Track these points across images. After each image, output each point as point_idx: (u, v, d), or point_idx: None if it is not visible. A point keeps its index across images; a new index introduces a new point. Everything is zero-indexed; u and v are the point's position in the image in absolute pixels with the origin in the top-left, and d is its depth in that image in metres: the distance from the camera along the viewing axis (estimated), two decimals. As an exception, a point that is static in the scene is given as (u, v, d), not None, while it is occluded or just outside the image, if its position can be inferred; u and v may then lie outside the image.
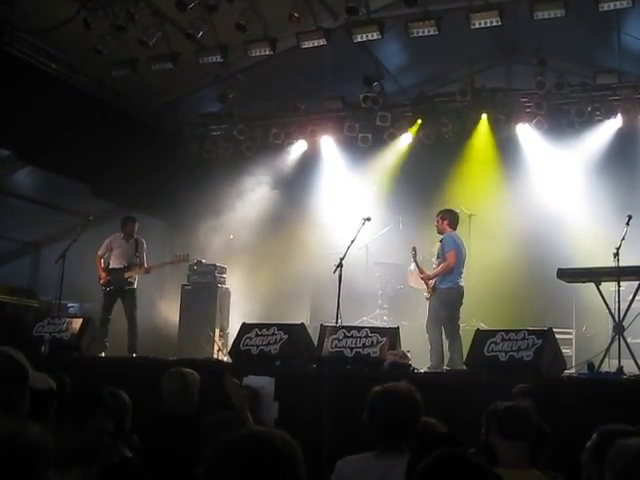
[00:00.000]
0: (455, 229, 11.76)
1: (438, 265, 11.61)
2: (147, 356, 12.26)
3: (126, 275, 12.96)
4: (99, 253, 13.23)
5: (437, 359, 10.84)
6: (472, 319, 13.11)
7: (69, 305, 15.63)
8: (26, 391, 3.81)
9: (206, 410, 6.12)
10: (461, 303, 11.44)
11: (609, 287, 10.19)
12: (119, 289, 12.98)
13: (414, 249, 12.03)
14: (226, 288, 15.20)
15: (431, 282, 11.55)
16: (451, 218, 11.75)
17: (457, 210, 12.14)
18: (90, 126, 14.09)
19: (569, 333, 13.05)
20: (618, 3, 11.04)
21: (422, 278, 11.77)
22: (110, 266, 13.15)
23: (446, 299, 11.31)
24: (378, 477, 4.46)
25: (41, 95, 13.47)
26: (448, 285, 11.35)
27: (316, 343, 9.82)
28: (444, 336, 11.19)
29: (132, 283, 13.01)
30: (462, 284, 11.46)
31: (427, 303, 11.89)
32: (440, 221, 11.71)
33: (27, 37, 13.44)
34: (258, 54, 13.20)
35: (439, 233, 11.75)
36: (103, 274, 13.09)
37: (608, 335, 10.22)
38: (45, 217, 17.73)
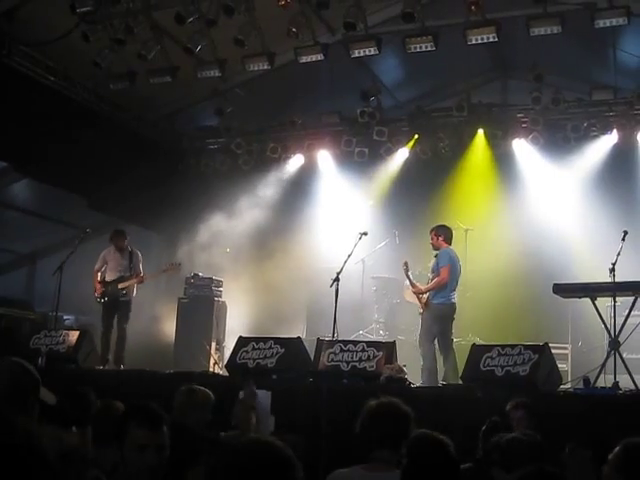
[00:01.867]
0: (450, 244, 11.78)
1: (432, 280, 11.63)
2: (143, 369, 12.26)
3: (120, 286, 12.98)
4: (96, 267, 13.27)
5: (429, 373, 10.85)
6: (468, 334, 13.14)
7: (65, 317, 15.63)
8: (37, 403, 3.89)
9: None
10: (453, 318, 11.46)
11: (605, 302, 10.24)
12: (114, 300, 12.99)
13: (406, 264, 12.03)
14: (222, 301, 15.21)
15: (424, 297, 11.55)
16: (445, 233, 11.76)
17: (449, 225, 12.13)
18: (88, 139, 14.10)
19: (565, 348, 13.06)
20: (614, 20, 11.12)
21: (414, 292, 11.78)
22: (106, 279, 13.15)
23: (438, 314, 11.32)
24: None
25: (39, 107, 13.50)
26: (441, 300, 11.36)
27: (312, 357, 9.84)
28: (438, 351, 11.21)
29: (126, 295, 13.02)
30: (455, 300, 11.47)
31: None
32: (435, 237, 11.70)
33: (26, 49, 13.48)
34: (256, 68, 13.23)
35: (435, 249, 11.74)
36: (98, 286, 13.11)
37: (604, 350, 10.24)
38: (42, 229, 17.74)
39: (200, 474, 4.48)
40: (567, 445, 4.81)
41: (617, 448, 3.74)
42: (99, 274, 13.23)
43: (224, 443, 5.38)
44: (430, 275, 11.84)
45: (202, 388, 6.96)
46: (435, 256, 11.67)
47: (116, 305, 13.00)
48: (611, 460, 3.71)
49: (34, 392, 3.94)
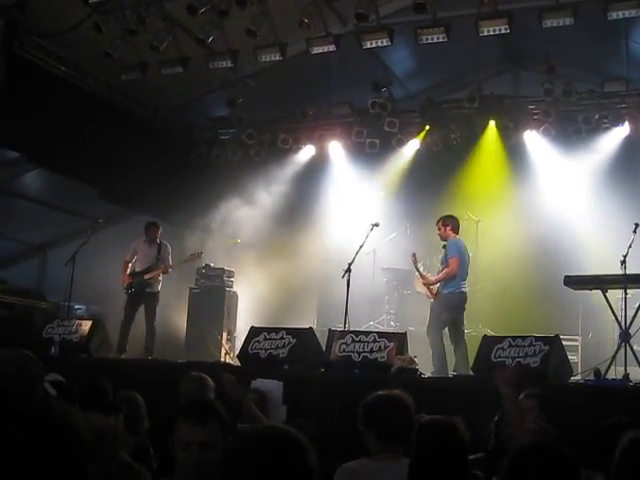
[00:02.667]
0: (457, 233, 11.76)
1: (441, 270, 11.65)
2: (155, 358, 12.34)
3: (146, 277, 13.06)
4: (126, 258, 13.38)
5: (439, 363, 10.85)
6: (479, 325, 13.16)
7: (76, 307, 15.69)
8: (43, 392, 3.94)
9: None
10: (464, 308, 11.45)
11: (616, 294, 10.22)
12: (140, 291, 13.06)
13: (414, 255, 12.05)
14: (234, 292, 15.26)
15: (434, 287, 11.56)
16: (453, 223, 11.73)
17: (456, 215, 12.11)
18: (99, 129, 14.15)
19: (575, 340, 13.07)
20: (627, 12, 11.09)
21: (424, 284, 11.79)
22: (135, 270, 13.27)
23: (448, 304, 11.31)
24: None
25: (51, 98, 13.55)
26: (450, 290, 11.35)
27: (324, 347, 9.88)
28: (449, 341, 11.22)
29: (153, 285, 13.12)
30: (465, 289, 11.45)
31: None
32: (442, 227, 11.66)
33: (38, 40, 13.53)
34: (268, 59, 13.24)
35: (442, 240, 11.73)
36: (126, 278, 13.22)
37: (614, 342, 10.25)
38: (53, 219, 17.81)
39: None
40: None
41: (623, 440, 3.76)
42: (130, 265, 13.32)
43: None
44: (440, 266, 11.84)
45: (202, 375, 7.05)
46: (444, 247, 11.67)
47: (141, 296, 13.08)
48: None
49: (40, 380, 4.00)
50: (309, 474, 2.38)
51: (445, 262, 11.50)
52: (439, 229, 11.68)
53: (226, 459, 2.46)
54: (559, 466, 3.07)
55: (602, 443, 4.83)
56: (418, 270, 12.00)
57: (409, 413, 4.75)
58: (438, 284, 11.50)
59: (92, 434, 1.30)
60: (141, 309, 13.09)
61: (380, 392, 4.84)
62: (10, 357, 4.00)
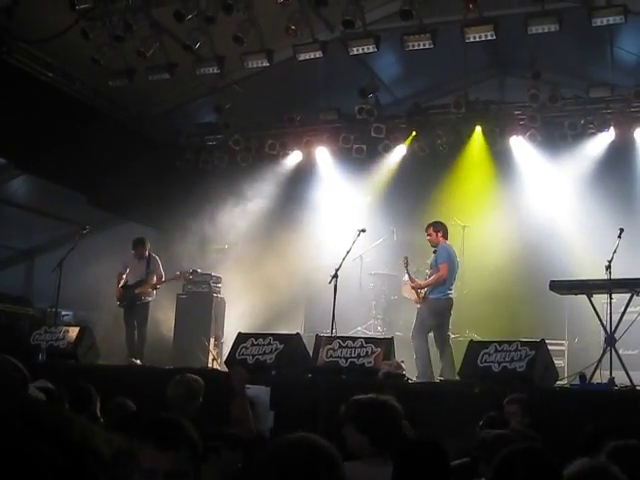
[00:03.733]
0: (447, 239, 11.87)
1: (430, 275, 11.71)
2: (143, 364, 12.35)
3: (136, 291, 13.26)
4: (120, 271, 13.61)
5: (423, 367, 10.92)
6: (465, 330, 13.20)
7: (63, 313, 15.65)
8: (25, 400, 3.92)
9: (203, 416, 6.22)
10: (450, 314, 11.53)
11: (601, 299, 10.28)
12: (131, 304, 13.31)
13: (406, 259, 12.11)
14: (221, 298, 15.25)
15: (421, 291, 11.62)
16: (444, 229, 11.85)
17: (444, 222, 12.21)
18: (87, 135, 14.13)
19: (561, 344, 13.13)
20: (611, 19, 11.17)
21: (413, 288, 11.84)
22: (128, 282, 13.48)
23: (435, 309, 11.38)
24: None
25: (38, 104, 13.54)
26: (438, 296, 11.43)
27: (311, 353, 9.91)
28: (435, 346, 11.28)
29: (143, 298, 13.33)
30: (452, 295, 11.55)
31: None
32: (433, 233, 11.74)
33: (25, 46, 13.50)
34: (255, 65, 13.28)
35: (433, 245, 11.79)
36: (118, 291, 13.43)
37: (600, 347, 10.30)
38: (40, 225, 17.78)
39: (217, 470, 4.53)
40: None
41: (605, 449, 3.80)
42: (123, 277, 13.50)
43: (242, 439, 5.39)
44: (428, 271, 11.90)
45: (193, 376, 7.07)
46: (434, 252, 11.73)
47: (133, 308, 13.33)
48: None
49: (24, 387, 4.00)
50: None
51: (435, 267, 11.57)
52: (430, 235, 11.76)
53: (258, 467, 2.45)
54: (544, 471, 3.11)
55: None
56: (409, 273, 12.06)
57: (400, 420, 4.77)
58: (426, 289, 11.56)
59: (111, 451, 1.31)
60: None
61: (372, 396, 4.82)
62: None
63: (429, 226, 11.85)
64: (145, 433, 3.02)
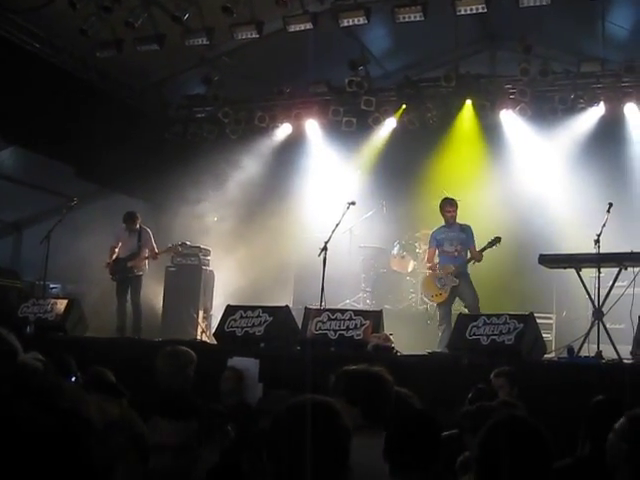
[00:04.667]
0: None
1: (459, 250, 11.76)
2: (132, 337, 12.35)
3: (129, 264, 13.21)
4: (112, 244, 13.52)
5: None
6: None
7: (52, 286, 15.61)
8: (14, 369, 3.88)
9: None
10: None
11: (589, 273, 10.31)
12: (123, 277, 13.25)
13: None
14: (210, 270, 15.24)
15: (452, 268, 11.66)
16: None
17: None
18: (74, 107, 14.04)
19: (549, 318, 13.20)
20: (603, -7, 11.13)
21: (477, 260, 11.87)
22: (120, 256, 13.40)
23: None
24: (358, 454, 4.53)
25: (26, 75, 13.42)
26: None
27: (300, 325, 9.91)
28: (442, 320, 11.53)
29: (134, 271, 13.26)
30: None
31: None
32: (456, 211, 11.91)
33: (12, 16, 13.36)
34: (244, 37, 13.20)
35: (451, 221, 11.91)
36: (110, 265, 13.34)
37: (588, 320, 10.34)
38: (28, 198, 17.65)
39: (217, 447, 4.51)
40: None
41: (622, 419, 3.83)
42: (116, 250, 13.42)
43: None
44: (453, 247, 11.86)
45: (184, 348, 7.04)
46: (462, 230, 11.86)
47: (126, 281, 13.28)
48: (617, 430, 3.80)
49: (12, 359, 3.96)
50: (347, 433, 2.78)
51: (467, 245, 11.80)
52: (455, 211, 11.90)
53: (274, 425, 2.74)
54: (531, 438, 3.12)
55: (590, 419, 4.91)
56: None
57: (392, 392, 4.73)
58: (458, 264, 11.69)
59: (103, 421, 1.29)
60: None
61: (363, 367, 4.74)
62: None
63: (453, 202, 11.98)
64: (157, 404, 3.27)
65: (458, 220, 11.97)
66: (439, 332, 11.44)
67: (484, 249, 11.65)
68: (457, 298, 11.78)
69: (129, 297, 13.23)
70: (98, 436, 1.25)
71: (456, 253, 11.80)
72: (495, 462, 3.06)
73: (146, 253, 13.42)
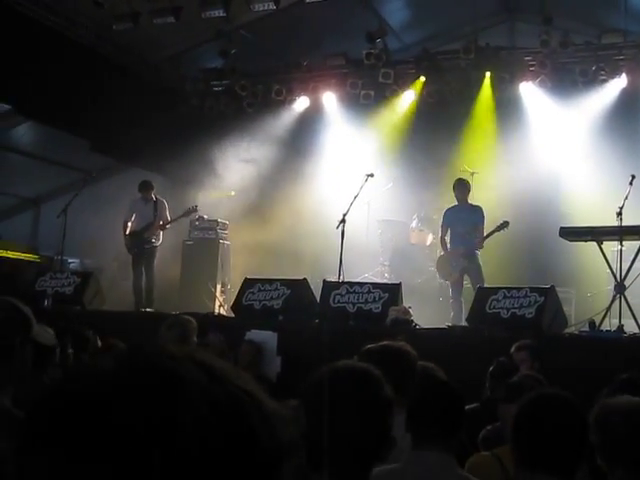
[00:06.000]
0: None
1: (469, 233, 11.78)
2: (149, 310, 12.35)
3: (145, 235, 13.14)
4: (125, 218, 13.42)
5: None
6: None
7: (70, 260, 15.66)
8: (29, 342, 3.85)
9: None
10: None
11: (610, 247, 10.21)
12: (140, 250, 13.18)
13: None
14: (227, 244, 15.22)
15: (461, 249, 11.66)
16: None
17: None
18: (90, 81, 13.98)
19: (570, 292, 13.08)
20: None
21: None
22: (134, 229, 13.33)
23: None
24: None
25: (41, 48, 13.35)
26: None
27: (318, 298, 9.87)
28: (455, 295, 11.61)
29: (151, 242, 13.21)
30: None
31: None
32: (468, 193, 12.01)
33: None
34: (261, 9, 13.08)
35: (462, 200, 11.97)
36: (126, 238, 13.30)
37: (608, 294, 10.24)
38: (46, 172, 17.69)
39: None
40: None
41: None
42: (129, 224, 13.35)
43: None
44: (464, 228, 11.84)
45: (187, 317, 7.00)
46: (475, 210, 11.92)
47: (142, 253, 13.20)
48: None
49: (26, 329, 3.92)
50: (389, 403, 2.73)
51: (478, 225, 11.84)
52: (466, 193, 12.03)
53: (307, 391, 2.64)
54: (570, 414, 3.18)
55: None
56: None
57: (416, 366, 4.66)
58: (467, 246, 11.70)
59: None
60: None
61: (386, 342, 4.64)
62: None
63: (467, 182, 12.18)
64: None
65: (476, 195, 11.90)
66: (451, 310, 11.51)
67: (491, 233, 11.60)
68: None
69: (143, 269, 13.19)
70: (270, 422, 1.11)
71: (467, 235, 11.76)
72: (535, 432, 3.14)
73: (162, 223, 13.36)
